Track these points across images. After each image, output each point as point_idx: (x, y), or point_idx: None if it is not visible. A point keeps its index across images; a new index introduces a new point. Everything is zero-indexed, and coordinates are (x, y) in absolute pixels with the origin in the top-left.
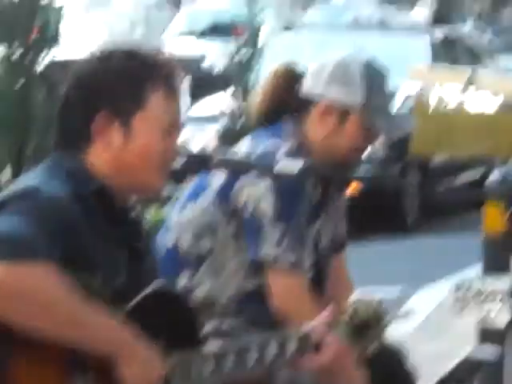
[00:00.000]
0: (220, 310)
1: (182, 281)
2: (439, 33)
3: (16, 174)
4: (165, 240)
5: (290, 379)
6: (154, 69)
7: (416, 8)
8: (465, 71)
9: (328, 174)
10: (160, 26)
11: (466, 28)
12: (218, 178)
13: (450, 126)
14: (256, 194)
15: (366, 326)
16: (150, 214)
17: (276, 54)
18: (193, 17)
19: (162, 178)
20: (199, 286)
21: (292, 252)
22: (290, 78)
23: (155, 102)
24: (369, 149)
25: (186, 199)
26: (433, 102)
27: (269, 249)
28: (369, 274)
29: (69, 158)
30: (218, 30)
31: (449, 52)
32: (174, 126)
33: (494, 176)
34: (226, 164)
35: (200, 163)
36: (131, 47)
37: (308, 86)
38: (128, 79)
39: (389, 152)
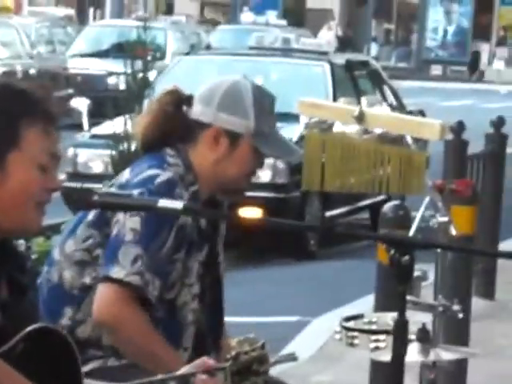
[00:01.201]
0: (104, 350)
1: (65, 318)
2: (341, 58)
3: None
4: (49, 275)
5: None
6: (29, 104)
7: (321, 32)
8: (353, 108)
9: (210, 214)
10: (63, 44)
11: (372, 52)
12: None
13: (340, 157)
14: (124, 217)
15: (249, 369)
16: (37, 245)
17: (176, 78)
18: (98, 35)
19: (39, 215)
20: (82, 323)
21: (140, 276)
22: (175, 104)
23: (31, 138)
24: (270, 174)
25: (67, 233)
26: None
27: (118, 268)
28: (268, 301)
29: None
30: (122, 49)
31: (351, 77)
32: (51, 161)
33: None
34: (105, 203)
35: (79, 200)
36: (5, 81)
37: (196, 113)
38: (0, 117)
39: (290, 177)
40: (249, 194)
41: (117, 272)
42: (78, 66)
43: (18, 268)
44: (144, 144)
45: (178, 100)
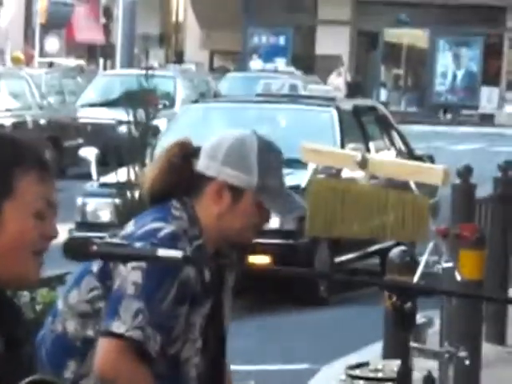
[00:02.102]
0: None
1: (68, 371)
2: (349, 103)
3: None
4: (52, 326)
5: None
6: (19, 153)
7: (331, 78)
8: (355, 154)
9: (214, 261)
10: (73, 94)
11: (382, 97)
12: (96, 261)
13: (341, 204)
14: (125, 270)
15: None
16: (42, 296)
17: (184, 126)
18: (107, 85)
19: (37, 265)
20: (86, 376)
21: (141, 331)
22: (183, 156)
23: (26, 187)
24: (278, 220)
25: (72, 283)
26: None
27: (119, 323)
28: (277, 349)
29: None
30: (131, 98)
31: (358, 122)
32: (48, 209)
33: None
34: (104, 253)
35: (78, 251)
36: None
37: (202, 166)
38: None
39: (299, 223)
40: (257, 240)
41: (118, 327)
42: (88, 116)
43: (14, 321)
44: (151, 195)
45: (186, 152)
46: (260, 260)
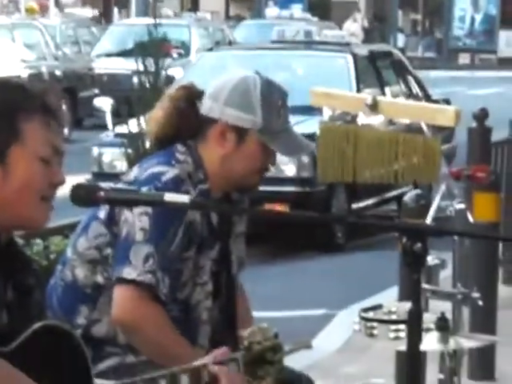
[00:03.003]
0: (121, 347)
1: (81, 317)
2: (364, 49)
3: None
4: (62, 275)
5: None
6: (26, 98)
7: (346, 24)
8: (366, 97)
9: (218, 207)
10: (89, 44)
11: (399, 43)
12: (104, 208)
13: (353, 149)
14: (132, 216)
15: (263, 358)
16: (55, 244)
17: (199, 74)
18: (122, 34)
19: (45, 210)
20: (98, 322)
21: (152, 274)
22: (187, 100)
23: (31, 132)
24: (295, 168)
25: (80, 231)
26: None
27: (130, 269)
28: (294, 295)
29: None
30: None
31: (374, 68)
32: (54, 155)
33: (407, 198)
34: (111, 199)
35: (84, 196)
36: (4, 77)
37: (205, 108)
38: None
39: (315, 170)
40: (274, 189)
41: (129, 272)
42: (104, 66)
43: (23, 268)
44: (156, 140)
45: (191, 95)
46: (276, 208)
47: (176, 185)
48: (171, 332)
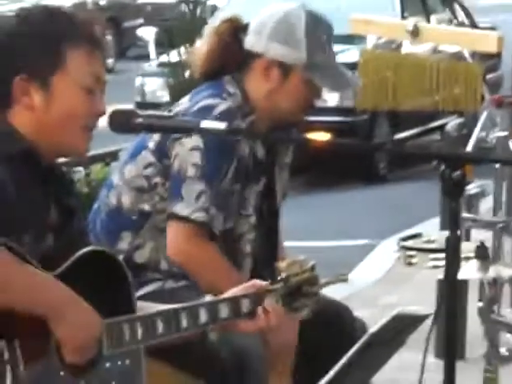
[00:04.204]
0: (162, 273)
1: (124, 242)
2: None
3: None
4: (107, 200)
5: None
6: (71, 27)
7: None
8: (406, 23)
9: (264, 136)
10: None
11: None
12: (154, 137)
13: (393, 75)
14: (184, 150)
15: (300, 290)
16: (96, 172)
17: (242, 3)
18: None
19: (86, 139)
20: (141, 247)
21: (205, 212)
22: (232, 33)
23: (75, 61)
24: (337, 97)
25: (126, 159)
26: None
27: (183, 205)
28: (336, 225)
29: None
30: None
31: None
32: (97, 85)
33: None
34: (149, 126)
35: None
36: (51, 6)
37: (250, 43)
38: (43, 39)
39: None
40: (316, 118)
41: (182, 209)
42: None
43: (65, 191)
44: (202, 73)
45: (235, 29)
46: (319, 137)
47: (227, 117)
48: (225, 268)
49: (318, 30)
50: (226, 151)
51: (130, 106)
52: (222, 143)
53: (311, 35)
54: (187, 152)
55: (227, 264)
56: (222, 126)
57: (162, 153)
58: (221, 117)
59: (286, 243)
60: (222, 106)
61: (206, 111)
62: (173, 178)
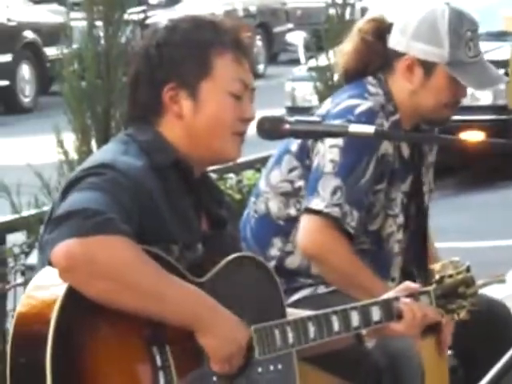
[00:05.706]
0: (313, 278)
1: (274, 249)
2: None
3: (103, 144)
4: (255, 207)
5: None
6: (218, 34)
7: None
8: None
9: (408, 138)
10: None
11: None
12: (297, 140)
13: None
14: (324, 148)
15: (455, 292)
16: (247, 178)
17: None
18: None
19: (237, 144)
20: (292, 253)
21: (339, 208)
22: (375, 33)
23: (222, 67)
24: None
25: (272, 165)
26: None
27: (318, 200)
28: (490, 225)
29: (142, 131)
30: None
31: None
32: (244, 91)
33: None
34: (296, 131)
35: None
36: (198, 15)
37: (393, 41)
38: (190, 48)
39: None
40: (469, 117)
41: (317, 203)
42: (296, 0)
43: (216, 202)
44: (345, 74)
45: (379, 28)
46: (472, 137)
47: (369, 117)
48: (356, 263)
49: (462, 27)
50: (365, 150)
51: (280, 111)
52: (361, 141)
53: (455, 33)
54: (327, 149)
55: (357, 259)
56: (370, 129)
57: (303, 154)
58: (361, 117)
59: (443, 244)
60: (363, 106)
61: (346, 112)
62: (311, 173)
